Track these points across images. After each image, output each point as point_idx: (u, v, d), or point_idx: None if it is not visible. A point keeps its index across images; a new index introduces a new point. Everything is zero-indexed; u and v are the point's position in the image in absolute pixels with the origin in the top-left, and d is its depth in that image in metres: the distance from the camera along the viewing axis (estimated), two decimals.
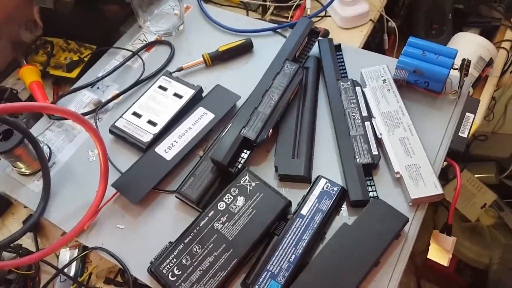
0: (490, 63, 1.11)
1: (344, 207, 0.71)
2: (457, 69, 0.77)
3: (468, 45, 1.09)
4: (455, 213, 1.57)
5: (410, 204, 0.69)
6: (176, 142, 0.78)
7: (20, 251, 0.75)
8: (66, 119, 0.88)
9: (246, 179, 0.71)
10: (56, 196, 0.78)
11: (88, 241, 0.72)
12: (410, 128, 0.74)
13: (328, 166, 0.76)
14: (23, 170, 0.81)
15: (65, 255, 0.76)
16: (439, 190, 0.67)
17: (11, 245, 0.74)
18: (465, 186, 1.65)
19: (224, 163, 0.72)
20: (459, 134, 0.78)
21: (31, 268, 0.74)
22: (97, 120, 0.87)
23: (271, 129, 0.76)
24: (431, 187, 0.68)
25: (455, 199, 0.71)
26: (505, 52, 1.21)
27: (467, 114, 0.79)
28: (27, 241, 0.79)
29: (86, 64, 1.02)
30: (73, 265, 0.75)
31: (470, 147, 1.68)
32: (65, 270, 0.74)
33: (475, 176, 1.72)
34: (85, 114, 0.88)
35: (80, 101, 0.92)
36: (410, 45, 0.79)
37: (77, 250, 0.76)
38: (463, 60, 0.76)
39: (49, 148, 0.84)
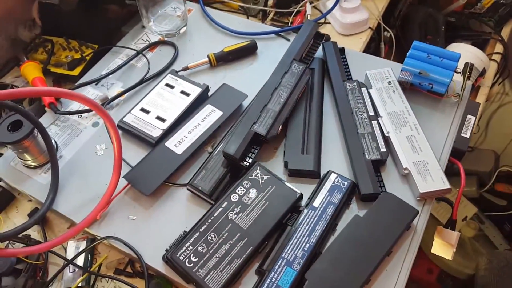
0: (483, 73, 1.15)
1: (354, 201, 0.73)
2: (459, 72, 0.80)
3: (463, 54, 1.13)
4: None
5: (418, 199, 0.71)
6: (186, 137, 0.79)
7: (28, 242, 0.74)
8: (71, 114, 0.88)
9: (258, 173, 0.72)
10: (64, 189, 0.77)
11: (100, 231, 0.72)
12: (417, 127, 0.77)
13: (336, 162, 0.78)
14: (29, 162, 0.80)
15: (73, 247, 0.75)
16: (447, 185, 0.70)
17: (20, 235, 0.73)
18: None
19: (237, 156, 0.73)
20: (462, 134, 0.81)
21: (40, 258, 0.73)
22: None
23: (280, 125, 0.78)
24: (439, 182, 0.70)
25: (460, 193, 0.74)
26: (496, 65, 1.26)
27: (469, 116, 0.83)
28: (33, 234, 0.78)
29: (88, 63, 1.01)
30: (81, 257, 0.74)
31: None
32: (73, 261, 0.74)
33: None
34: None
35: None
36: (415, 48, 0.82)
37: (85, 242, 0.75)
38: (466, 63, 0.79)
39: (56, 142, 0.84)
